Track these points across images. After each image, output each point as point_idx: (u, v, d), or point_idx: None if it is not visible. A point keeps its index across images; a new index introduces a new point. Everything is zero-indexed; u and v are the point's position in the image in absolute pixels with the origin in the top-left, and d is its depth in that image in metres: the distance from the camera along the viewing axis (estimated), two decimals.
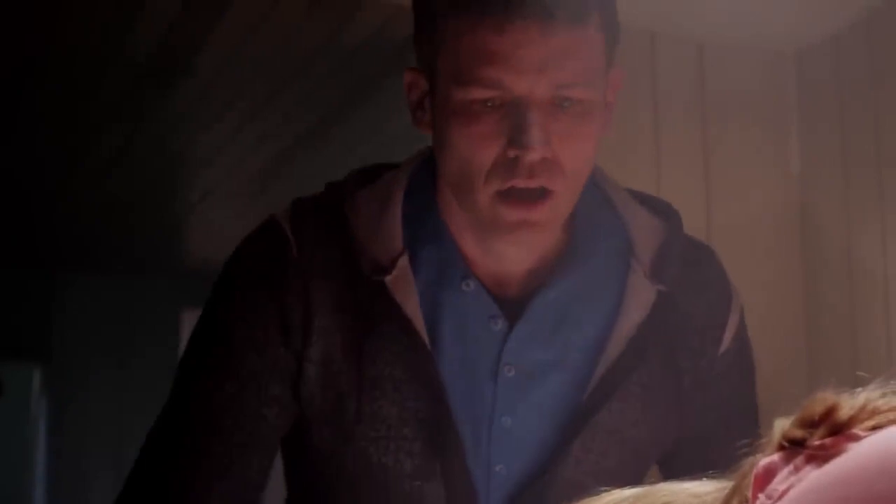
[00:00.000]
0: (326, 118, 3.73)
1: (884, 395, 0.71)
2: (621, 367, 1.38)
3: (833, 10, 2.57)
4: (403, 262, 1.35)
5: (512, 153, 1.27)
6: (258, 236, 1.39)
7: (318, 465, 1.41)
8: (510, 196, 1.29)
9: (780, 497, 0.67)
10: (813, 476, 0.67)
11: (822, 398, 0.71)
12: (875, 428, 0.68)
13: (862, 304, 2.57)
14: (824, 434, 0.69)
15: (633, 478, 1.42)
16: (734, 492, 0.72)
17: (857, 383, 0.74)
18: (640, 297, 1.39)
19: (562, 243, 1.40)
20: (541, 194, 1.29)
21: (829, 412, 0.70)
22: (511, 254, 1.37)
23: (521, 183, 1.28)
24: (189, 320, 5.92)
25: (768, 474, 0.69)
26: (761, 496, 0.68)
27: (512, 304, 1.38)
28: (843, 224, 2.63)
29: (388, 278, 1.34)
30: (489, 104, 1.27)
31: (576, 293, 1.39)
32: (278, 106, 3.61)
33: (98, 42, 3.16)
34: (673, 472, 1.48)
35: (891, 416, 0.69)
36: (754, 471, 0.70)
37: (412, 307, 1.34)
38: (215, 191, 4.61)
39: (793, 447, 0.70)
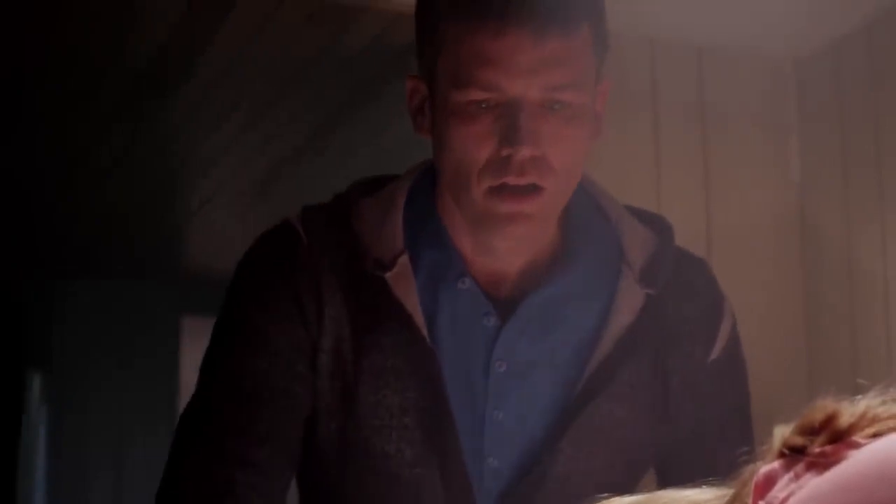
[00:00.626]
0: (327, 123, 3.73)
1: (884, 403, 0.71)
2: (609, 367, 1.43)
3: (833, 17, 2.57)
4: (404, 260, 1.42)
5: (505, 151, 1.34)
6: (272, 234, 1.48)
7: (324, 461, 1.46)
8: (503, 191, 1.36)
9: None
10: (813, 483, 0.67)
11: (823, 406, 0.72)
12: (875, 435, 0.68)
13: (862, 304, 2.57)
14: (824, 441, 0.69)
15: (626, 478, 1.47)
16: (734, 499, 0.72)
17: (857, 389, 0.75)
18: (630, 301, 1.45)
19: (555, 245, 1.46)
20: (532, 189, 1.36)
21: (830, 420, 0.70)
22: (505, 250, 1.43)
23: (512, 180, 1.35)
24: (189, 325, 5.92)
25: (768, 482, 0.70)
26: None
27: (505, 302, 1.44)
28: (842, 226, 2.64)
29: (388, 275, 1.41)
30: (484, 105, 1.35)
31: (567, 294, 1.44)
32: (279, 111, 3.62)
33: (99, 45, 3.16)
34: (668, 475, 1.50)
35: (891, 423, 0.69)
36: (754, 478, 0.71)
37: (412, 303, 1.41)
38: (216, 196, 4.61)
39: (793, 454, 0.70)
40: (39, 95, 3.58)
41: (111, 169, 4.33)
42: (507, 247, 1.42)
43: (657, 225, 1.52)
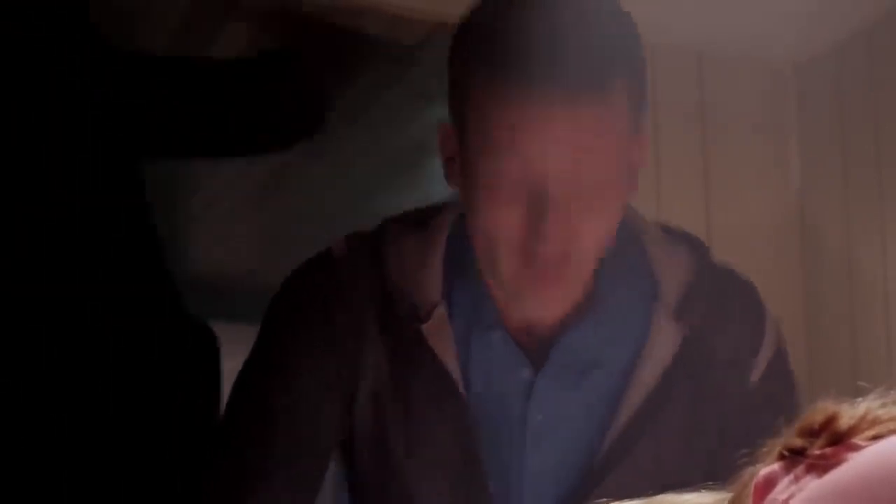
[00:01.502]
0: (328, 125, 3.72)
1: (884, 405, 0.71)
2: (648, 407, 1.41)
3: (833, 22, 2.57)
4: (440, 311, 1.40)
5: (534, 221, 1.31)
6: (313, 264, 1.47)
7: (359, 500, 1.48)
8: (534, 260, 1.32)
9: None
10: (813, 486, 0.67)
11: (823, 407, 0.71)
12: (875, 437, 0.68)
13: (862, 305, 2.57)
14: (825, 443, 0.69)
15: None
16: (734, 502, 0.72)
17: (857, 391, 0.74)
18: (664, 341, 1.42)
19: (589, 290, 1.43)
20: (562, 257, 1.32)
21: (830, 421, 0.70)
22: (540, 310, 1.40)
23: (542, 249, 1.31)
24: None
25: (768, 484, 0.70)
26: None
27: (539, 351, 1.42)
28: (842, 227, 2.64)
29: (424, 326, 1.39)
30: (513, 173, 1.30)
31: (600, 338, 1.42)
32: None
33: None
34: None
35: (891, 425, 0.69)
36: (754, 480, 0.70)
37: (448, 355, 1.39)
38: (216, 202, 4.60)
39: (793, 456, 0.70)
40: None
41: None
42: (541, 309, 1.39)
43: (694, 246, 1.49)
